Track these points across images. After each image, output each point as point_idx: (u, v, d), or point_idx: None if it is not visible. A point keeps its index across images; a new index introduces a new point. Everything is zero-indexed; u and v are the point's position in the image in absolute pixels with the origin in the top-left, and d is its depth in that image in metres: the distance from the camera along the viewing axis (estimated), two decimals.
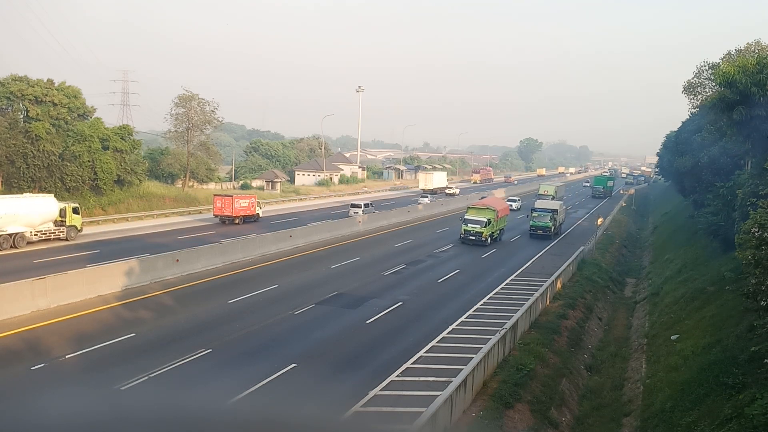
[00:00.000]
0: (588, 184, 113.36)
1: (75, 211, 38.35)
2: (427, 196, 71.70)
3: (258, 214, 50.71)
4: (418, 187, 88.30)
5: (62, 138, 49.98)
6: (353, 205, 56.27)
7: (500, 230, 45.44)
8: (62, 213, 37.25)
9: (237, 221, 47.96)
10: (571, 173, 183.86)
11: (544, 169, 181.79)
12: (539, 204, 50.93)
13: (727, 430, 13.49)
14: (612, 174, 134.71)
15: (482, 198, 50.35)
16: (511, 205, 64.50)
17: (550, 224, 47.00)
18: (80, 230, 38.85)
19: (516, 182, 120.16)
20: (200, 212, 55.93)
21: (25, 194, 39.41)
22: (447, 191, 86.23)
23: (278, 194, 77.77)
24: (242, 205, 48.60)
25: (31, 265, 29.41)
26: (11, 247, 33.98)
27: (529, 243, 45.26)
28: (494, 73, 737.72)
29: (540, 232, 46.99)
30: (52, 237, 36.75)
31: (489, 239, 42.47)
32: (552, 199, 65.26)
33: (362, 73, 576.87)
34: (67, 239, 37.37)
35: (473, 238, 41.99)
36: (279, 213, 58.05)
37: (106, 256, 31.84)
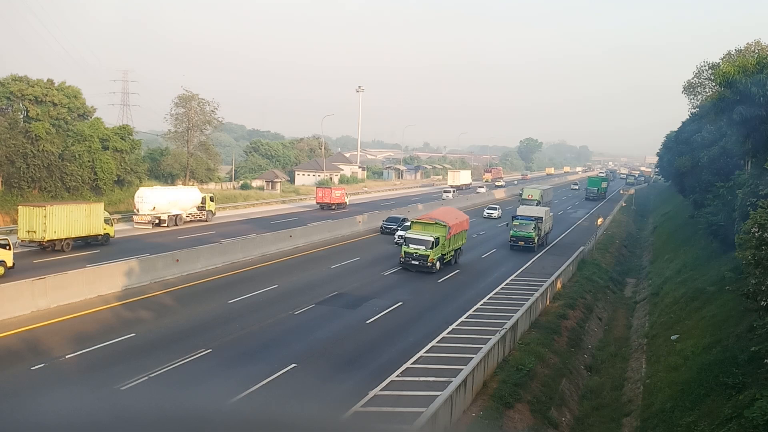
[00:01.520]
0: (576, 187, 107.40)
1: (211, 199, 49.58)
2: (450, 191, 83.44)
3: (346, 202, 63.90)
4: (446, 183, 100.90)
5: (62, 138, 50.01)
6: (445, 191, 78.31)
7: (455, 251, 35.28)
8: (203, 200, 47.79)
9: (333, 207, 61.54)
10: (578, 172, 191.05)
11: (552, 168, 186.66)
12: (521, 210, 44.80)
13: (726, 431, 13.49)
14: (607, 175, 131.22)
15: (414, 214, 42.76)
16: (491, 214, 59.40)
17: (533, 234, 41.06)
18: (214, 214, 50.14)
19: (516, 182, 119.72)
20: (300, 200, 71.18)
21: (178, 185, 50.92)
22: (496, 183, 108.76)
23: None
24: (337, 195, 62.97)
25: (31, 265, 29.40)
26: (174, 225, 44.33)
27: (510, 256, 39.26)
28: (494, 73, 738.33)
29: (521, 243, 40.99)
30: (196, 219, 47.28)
31: (437, 263, 32.19)
32: (537, 204, 58.15)
33: (362, 73, 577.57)
34: (206, 221, 47.92)
35: (416, 262, 31.76)
36: (357, 203, 69.40)
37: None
